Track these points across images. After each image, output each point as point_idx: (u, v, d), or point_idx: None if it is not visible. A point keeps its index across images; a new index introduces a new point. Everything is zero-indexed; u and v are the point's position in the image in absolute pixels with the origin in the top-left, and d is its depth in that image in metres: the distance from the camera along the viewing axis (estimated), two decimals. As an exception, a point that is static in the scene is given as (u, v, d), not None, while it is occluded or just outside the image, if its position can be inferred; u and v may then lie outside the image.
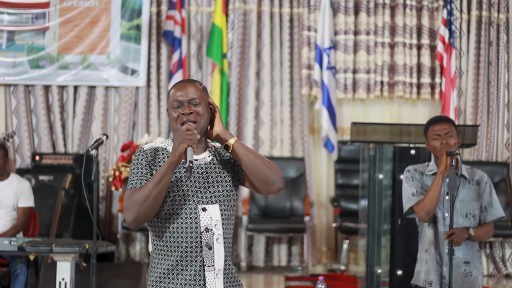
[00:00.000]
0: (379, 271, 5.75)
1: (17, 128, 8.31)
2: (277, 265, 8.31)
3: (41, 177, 7.66)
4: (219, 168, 2.77)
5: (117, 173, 6.26)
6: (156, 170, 2.69)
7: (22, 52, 8.31)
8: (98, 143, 4.64)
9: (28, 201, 6.12)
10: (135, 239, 8.25)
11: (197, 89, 2.76)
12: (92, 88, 8.39)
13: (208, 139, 2.81)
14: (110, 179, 6.37)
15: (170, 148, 2.75)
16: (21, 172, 7.67)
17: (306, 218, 8.02)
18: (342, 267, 7.95)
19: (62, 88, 8.39)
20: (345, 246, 7.96)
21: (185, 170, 2.61)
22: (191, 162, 2.57)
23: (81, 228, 7.30)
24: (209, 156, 2.78)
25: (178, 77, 8.02)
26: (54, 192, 7.48)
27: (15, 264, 5.75)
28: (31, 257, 5.42)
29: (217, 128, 2.76)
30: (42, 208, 6.90)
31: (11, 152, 7.54)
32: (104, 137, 4.74)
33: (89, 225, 5.44)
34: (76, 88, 8.40)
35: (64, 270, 5.11)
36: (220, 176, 2.76)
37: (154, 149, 2.75)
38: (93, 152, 4.59)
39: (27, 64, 8.29)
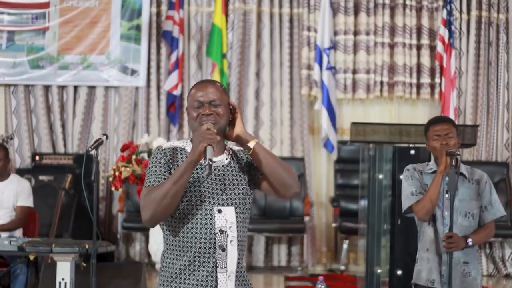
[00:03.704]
0: (379, 271, 5.75)
1: (17, 128, 8.31)
2: (277, 265, 8.31)
3: (41, 177, 7.66)
4: (236, 170, 2.77)
5: (117, 173, 6.25)
6: (175, 169, 2.69)
7: (22, 52, 8.31)
8: (98, 143, 4.64)
9: (27, 201, 6.12)
10: (135, 239, 8.25)
11: (218, 90, 2.75)
12: (92, 88, 8.40)
13: (225, 141, 2.82)
14: (110, 179, 6.37)
15: (188, 148, 2.75)
16: (21, 172, 7.67)
17: (306, 218, 8.03)
18: (342, 267, 7.95)
19: (62, 88, 8.39)
20: (345, 246, 7.96)
21: (204, 168, 2.61)
22: (210, 160, 2.57)
23: (81, 228, 7.30)
24: (226, 159, 2.78)
25: (174, 77, 8.04)
26: (54, 192, 7.48)
27: (15, 264, 5.75)
28: (31, 257, 5.42)
29: (238, 129, 2.77)
30: (42, 208, 6.90)
31: (11, 152, 7.54)
32: (104, 137, 4.74)
33: (89, 225, 5.44)
34: (76, 88, 8.40)
35: (64, 270, 5.10)
36: (237, 179, 2.76)
37: (172, 149, 2.75)
38: (93, 152, 4.59)
39: (27, 64, 8.29)
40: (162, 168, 2.70)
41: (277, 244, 8.36)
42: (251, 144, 2.73)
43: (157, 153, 2.74)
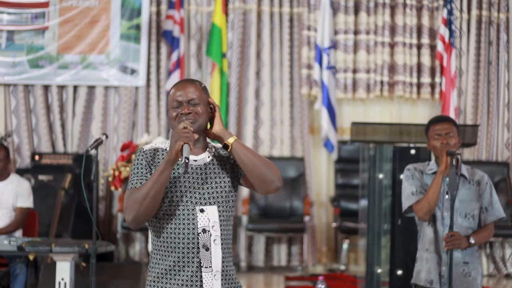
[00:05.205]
0: (379, 271, 5.74)
1: (17, 128, 8.30)
2: (277, 265, 8.31)
3: (40, 177, 7.65)
4: (218, 168, 2.78)
5: (116, 173, 6.24)
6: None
7: (21, 52, 8.30)
8: (98, 143, 4.64)
9: (26, 201, 6.11)
10: (135, 239, 8.25)
11: (197, 89, 2.76)
12: (91, 88, 8.39)
13: (208, 139, 2.81)
14: (110, 179, 6.36)
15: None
16: (21, 172, 7.66)
17: (306, 218, 8.02)
18: (342, 267, 7.95)
19: (61, 87, 8.39)
20: (345, 246, 7.96)
21: (181, 166, 2.61)
22: (187, 158, 2.58)
23: (81, 228, 7.29)
24: (208, 157, 2.78)
25: (176, 76, 8.03)
26: (53, 192, 7.47)
27: (15, 264, 5.74)
28: (31, 257, 5.41)
29: (217, 127, 2.77)
30: (42, 208, 6.89)
31: (10, 152, 7.52)
32: (104, 137, 4.74)
33: (88, 225, 5.43)
34: (75, 87, 8.39)
35: (64, 270, 5.10)
36: (219, 177, 2.76)
37: (154, 150, 2.77)
38: (92, 152, 4.59)
39: (26, 63, 8.28)
40: (144, 170, 2.72)
41: (277, 244, 8.35)
42: (229, 141, 2.72)
43: (138, 155, 2.75)
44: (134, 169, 2.74)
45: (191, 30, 8.45)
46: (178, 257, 2.68)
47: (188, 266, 2.68)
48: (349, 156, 8.28)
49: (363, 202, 6.08)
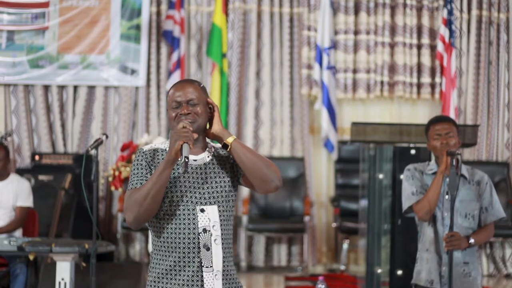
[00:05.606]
0: (379, 271, 5.74)
1: (17, 128, 8.30)
2: (277, 265, 8.31)
3: (40, 177, 7.65)
4: (218, 168, 2.78)
5: (116, 173, 6.25)
6: None
7: (21, 52, 8.30)
8: (98, 143, 4.65)
9: (26, 201, 6.11)
10: (135, 239, 8.25)
11: (196, 89, 2.77)
12: (91, 88, 8.39)
13: (207, 139, 2.82)
14: (110, 179, 6.36)
15: None
16: (21, 172, 7.66)
17: (306, 218, 8.02)
18: (342, 267, 7.95)
19: (61, 88, 8.39)
20: (345, 246, 7.96)
21: (181, 165, 2.61)
22: (186, 157, 2.58)
23: (81, 228, 7.29)
24: (208, 156, 2.79)
25: (176, 76, 8.03)
26: (53, 192, 7.47)
27: (15, 264, 5.75)
28: (31, 257, 5.41)
29: (216, 127, 2.78)
30: (42, 208, 6.89)
31: (10, 152, 7.53)
32: (104, 137, 4.75)
33: (88, 225, 5.43)
34: (75, 88, 8.39)
35: (64, 270, 5.10)
36: (219, 177, 2.76)
37: (153, 150, 2.77)
38: (92, 152, 4.59)
39: (26, 63, 8.28)
40: (144, 170, 2.72)
41: (277, 244, 8.35)
42: (229, 141, 2.73)
43: (138, 156, 2.76)
44: (134, 169, 2.74)
45: (191, 30, 8.45)
46: (179, 257, 2.68)
47: (189, 266, 2.68)
48: (349, 156, 8.28)
49: (363, 202, 6.08)
